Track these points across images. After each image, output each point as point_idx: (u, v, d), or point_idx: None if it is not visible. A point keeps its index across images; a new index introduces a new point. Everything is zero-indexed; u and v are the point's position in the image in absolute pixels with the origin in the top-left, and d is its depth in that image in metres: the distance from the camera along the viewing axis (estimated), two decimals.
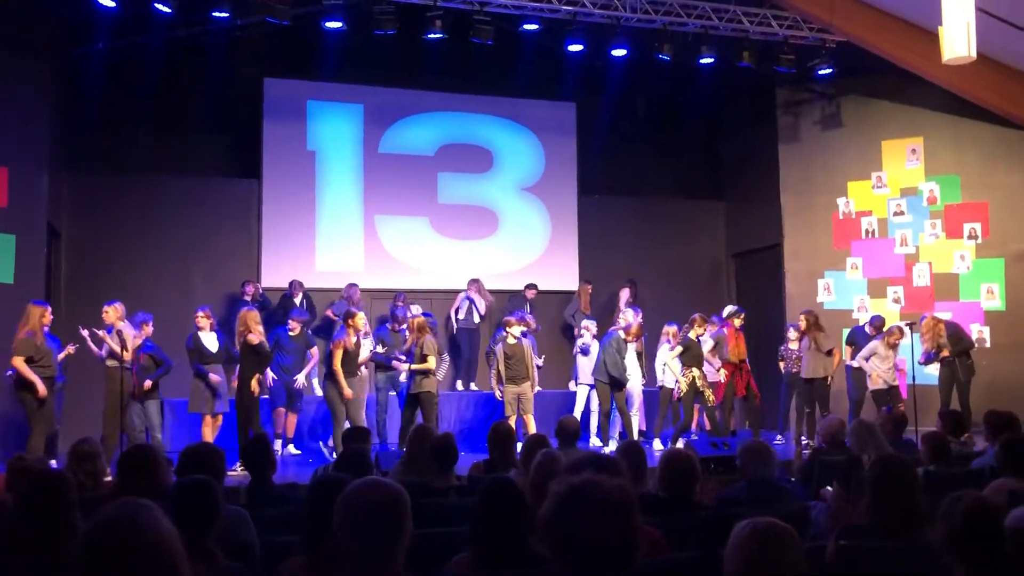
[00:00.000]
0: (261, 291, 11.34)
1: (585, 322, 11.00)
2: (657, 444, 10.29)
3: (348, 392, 9.01)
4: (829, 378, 10.06)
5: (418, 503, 2.21)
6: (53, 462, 7.26)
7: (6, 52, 9.66)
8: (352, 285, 11.39)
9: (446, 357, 10.78)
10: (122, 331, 8.53)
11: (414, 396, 9.26)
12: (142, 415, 8.67)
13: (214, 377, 8.97)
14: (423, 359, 9.22)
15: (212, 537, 3.00)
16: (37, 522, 3.30)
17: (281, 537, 3.61)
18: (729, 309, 11.14)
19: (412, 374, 9.29)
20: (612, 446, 9.70)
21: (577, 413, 10.25)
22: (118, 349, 8.28)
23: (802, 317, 10.24)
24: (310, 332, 10.41)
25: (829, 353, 10.07)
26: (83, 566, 1.84)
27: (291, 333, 9.81)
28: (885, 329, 10.37)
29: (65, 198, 11.16)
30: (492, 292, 12.37)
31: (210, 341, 9.10)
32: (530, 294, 12.26)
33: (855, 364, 10.33)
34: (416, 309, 11.03)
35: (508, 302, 12.16)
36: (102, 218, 11.48)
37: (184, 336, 9.30)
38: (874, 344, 10.23)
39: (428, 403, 9.21)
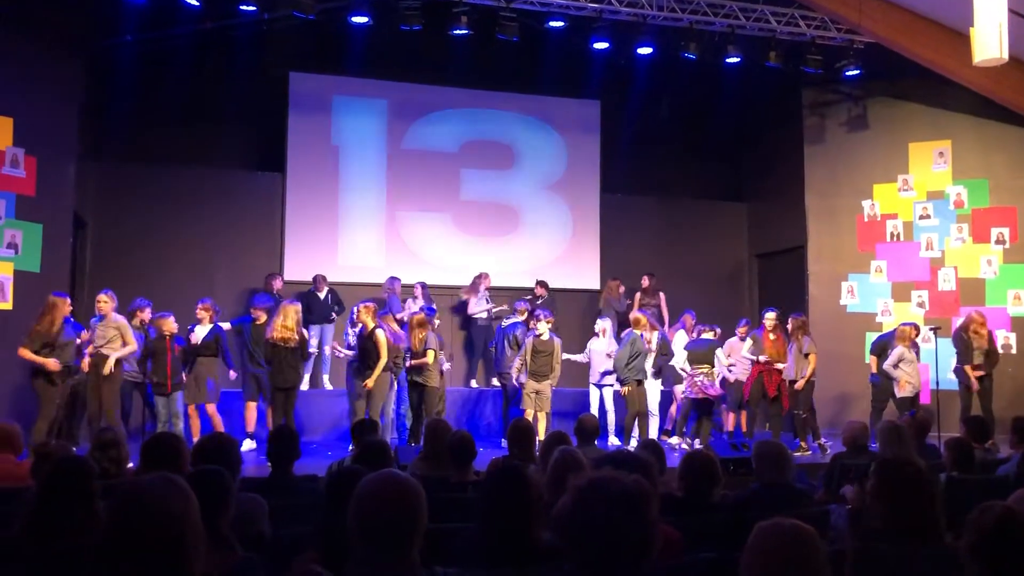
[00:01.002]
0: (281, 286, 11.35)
1: (599, 323, 10.86)
2: (674, 440, 10.30)
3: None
4: (801, 380, 9.88)
5: (435, 497, 2.21)
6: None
7: (37, 44, 9.76)
8: (394, 279, 11.44)
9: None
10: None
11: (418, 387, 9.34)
12: (166, 404, 8.78)
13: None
14: (423, 355, 9.27)
15: (227, 525, 3.01)
16: (59, 507, 3.33)
17: (297, 528, 3.62)
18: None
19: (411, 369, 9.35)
20: (633, 444, 9.65)
21: (593, 411, 10.22)
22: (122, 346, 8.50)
23: (791, 320, 10.12)
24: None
25: (806, 356, 9.98)
26: (103, 537, 1.91)
27: (258, 323, 9.41)
28: (899, 331, 10.24)
29: (91, 188, 11.27)
30: (512, 290, 12.38)
31: (200, 332, 9.09)
32: (540, 291, 12.23)
33: (889, 371, 10.13)
34: (414, 306, 11.03)
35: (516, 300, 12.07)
36: (127, 208, 11.59)
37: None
38: (900, 350, 10.06)
39: (429, 396, 9.29)
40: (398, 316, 10.50)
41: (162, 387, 8.81)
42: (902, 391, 9.96)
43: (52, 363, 8.07)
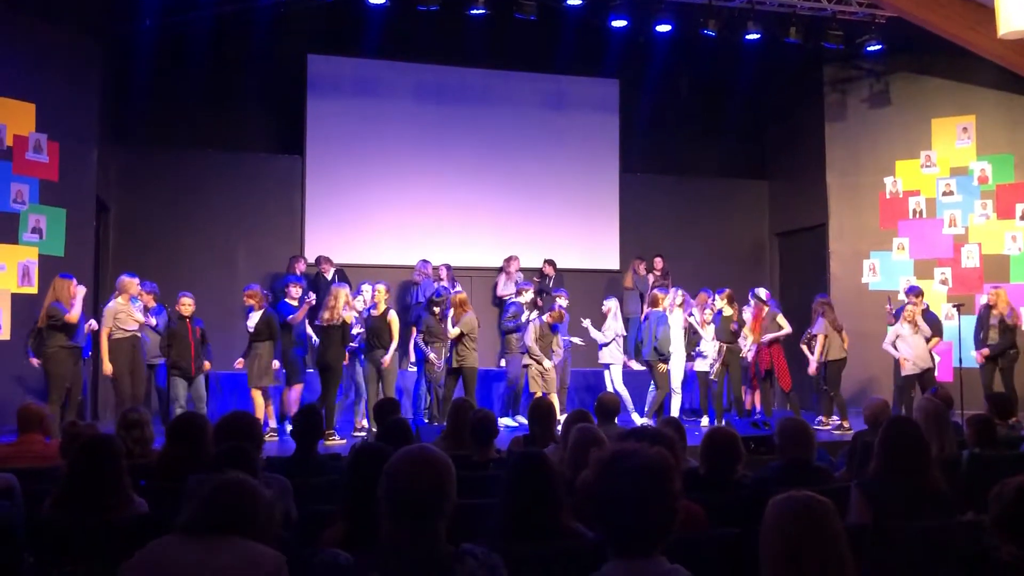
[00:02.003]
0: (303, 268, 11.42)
1: (607, 302, 10.90)
2: (704, 421, 10.31)
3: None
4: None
5: (458, 475, 2.23)
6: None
7: (57, 29, 9.82)
8: (425, 262, 11.51)
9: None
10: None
11: (456, 370, 9.50)
12: (187, 387, 8.85)
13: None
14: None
15: None
16: (88, 485, 3.40)
17: (322, 506, 3.67)
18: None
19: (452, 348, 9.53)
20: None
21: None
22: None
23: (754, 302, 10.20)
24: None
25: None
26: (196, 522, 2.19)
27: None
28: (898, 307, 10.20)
29: (113, 173, 11.36)
30: (532, 270, 12.42)
31: (252, 319, 9.12)
32: (548, 270, 12.26)
33: (889, 351, 10.05)
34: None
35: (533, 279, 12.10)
36: (149, 192, 11.68)
37: (228, 310, 9.42)
38: (893, 328, 9.95)
39: (470, 377, 9.47)
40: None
41: (186, 371, 8.80)
42: (904, 370, 9.84)
43: (107, 367, 8.43)
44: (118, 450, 3.53)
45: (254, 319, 9.00)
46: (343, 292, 9.03)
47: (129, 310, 8.70)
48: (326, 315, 8.88)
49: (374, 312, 9.31)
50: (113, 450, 3.50)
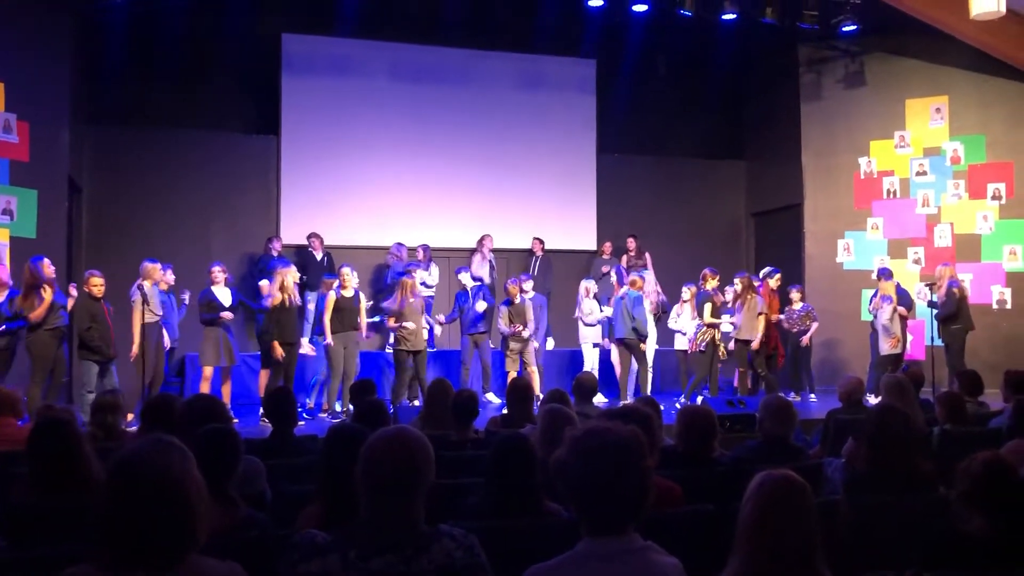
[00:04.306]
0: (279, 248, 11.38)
1: (584, 283, 10.97)
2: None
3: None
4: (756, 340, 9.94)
5: (436, 455, 2.24)
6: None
7: (28, 6, 9.65)
8: (399, 245, 11.49)
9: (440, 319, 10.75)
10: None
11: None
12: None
13: (226, 315, 9.01)
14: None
15: (233, 484, 3.06)
16: (47, 467, 3.40)
17: (298, 487, 3.68)
18: (766, 270, 11.01)
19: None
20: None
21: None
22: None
23: (737, 280, 10.16)
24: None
25: (758, 316, 10.04)
26: (103, 498, 1.89)
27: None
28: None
29: (86, 153, 11.22)
30: (509, 251, 12.42)
31: (223, 295, 9.14)
32: (537, 247, 12.40)
33: (890, 327, 10.14)
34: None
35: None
36: (122, 173, 11.54)
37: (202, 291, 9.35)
38: (889, 307, 10.09)
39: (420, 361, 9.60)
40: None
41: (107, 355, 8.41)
42: (894, 348, 9.97)
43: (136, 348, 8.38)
44: (68, 432, 3.50)
45: (228, 295, 9.09)
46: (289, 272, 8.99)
47: (154, 295, 8.70)
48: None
49: (344, 293, 9.29)
50: (63, 433, 3.48)
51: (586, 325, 10.71)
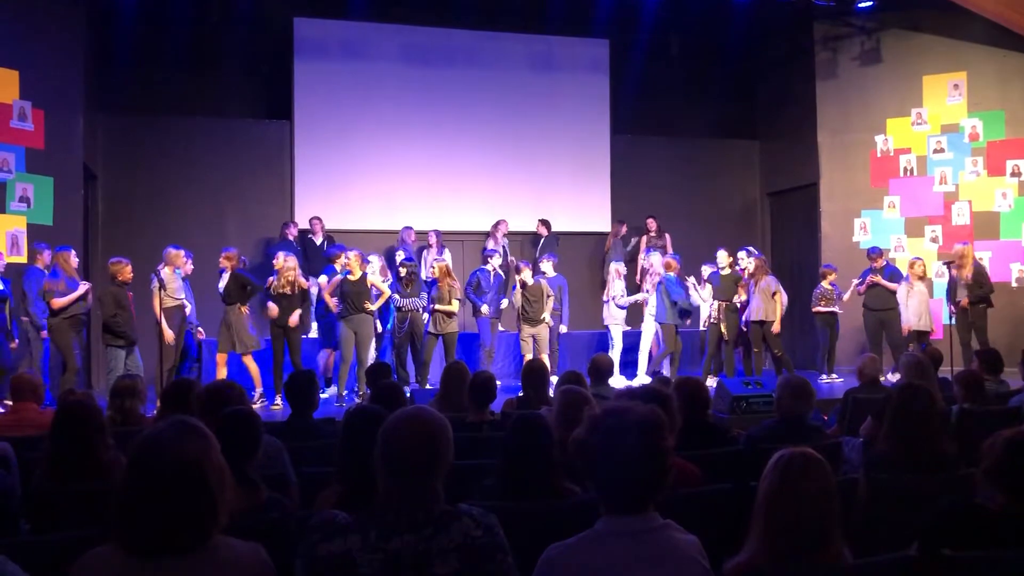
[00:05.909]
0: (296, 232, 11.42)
1: (615, 264, 11.02)
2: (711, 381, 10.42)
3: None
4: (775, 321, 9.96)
5: (452, 436, 2.24)
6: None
7: None
8: (408, 228, 11.52)
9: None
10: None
11: (436, 336, 9.66)
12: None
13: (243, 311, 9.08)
14: (449, 302, 9.59)
15: (254, 466, 3.08)
16: (66, 451, 3.42)
17: (318, 469, 3.70)
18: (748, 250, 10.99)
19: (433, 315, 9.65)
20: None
21: (614, 355, 10.39)
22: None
23: (752, 260, 10.14)
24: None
25: (773, 296, 10.03)
26: (124, 481, 1.90)
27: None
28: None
29: (100, 140, 11.26)
30: (523, 233, 12.39)
31: (222, 281, 9.11)
32: (541, 230, 12.33)
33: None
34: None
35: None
36: (137, 160, 11.59)
37: (218, 277, 9.37)
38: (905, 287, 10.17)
39: (451, 343, 9.67)
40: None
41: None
42: (920, 325, 10.05)
43: (168, 335, 8.51)
44: (88, 416, 3.52)
45: (223, 281, 9.07)
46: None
47: (172, 280, 8.79)
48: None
49: (350, 277, 9.24)
50: (82, 416, 3.50)
51: (619, 308, 10.72)
